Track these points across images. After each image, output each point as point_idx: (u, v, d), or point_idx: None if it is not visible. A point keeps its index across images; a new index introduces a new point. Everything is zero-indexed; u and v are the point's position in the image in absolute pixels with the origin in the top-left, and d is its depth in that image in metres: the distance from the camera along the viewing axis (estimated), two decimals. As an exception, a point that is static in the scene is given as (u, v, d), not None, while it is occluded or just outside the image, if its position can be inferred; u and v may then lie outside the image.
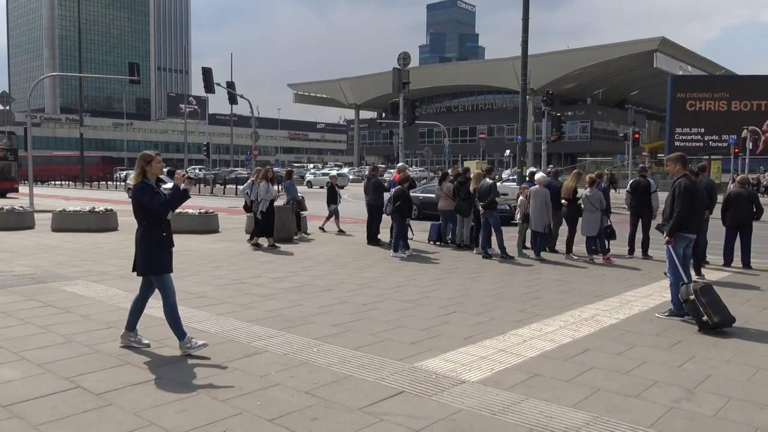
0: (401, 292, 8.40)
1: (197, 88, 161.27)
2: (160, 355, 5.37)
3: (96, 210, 16.09)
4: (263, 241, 12.90)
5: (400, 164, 13.78)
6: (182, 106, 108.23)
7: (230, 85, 36.55)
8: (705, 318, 6.36)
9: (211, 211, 16.58)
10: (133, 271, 5.45)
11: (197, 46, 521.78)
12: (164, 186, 5.76)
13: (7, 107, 25.22)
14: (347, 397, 4.46)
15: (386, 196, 12.03)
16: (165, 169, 16.12)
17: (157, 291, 5.45)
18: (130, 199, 5.47)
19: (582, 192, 11.67)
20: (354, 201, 32.91)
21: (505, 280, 9.43)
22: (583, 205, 11.48)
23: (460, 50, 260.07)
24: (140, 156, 5.36)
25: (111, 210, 16.31)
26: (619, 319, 7.01)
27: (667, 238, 7.11)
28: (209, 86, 32.41)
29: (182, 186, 5.32)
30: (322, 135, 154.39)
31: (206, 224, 15.65)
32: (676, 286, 6.97)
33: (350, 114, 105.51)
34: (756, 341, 6.15)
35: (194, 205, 22.06)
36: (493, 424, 4.03)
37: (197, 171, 57.86)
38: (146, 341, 5.59)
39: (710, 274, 9.90)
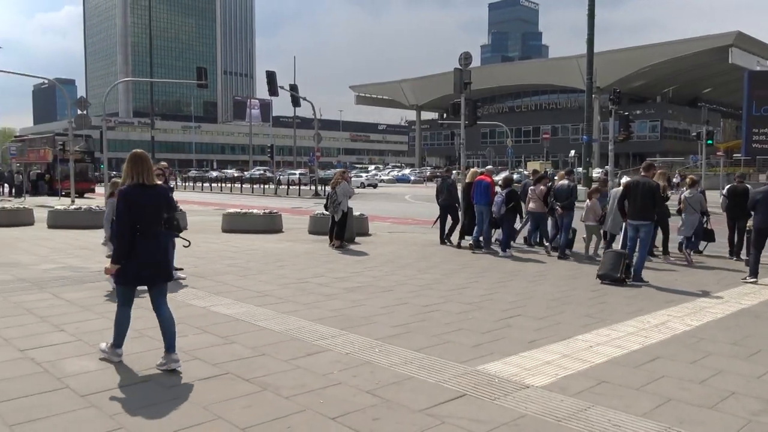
0: (463, 294, 8.32)
1: (262, 91, 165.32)
2: (229, 352, 5.51)
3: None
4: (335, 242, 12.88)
5: (489, 167, 14.05)
6: (247, 109, 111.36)
7: (293, 88, 37.24)
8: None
9: (275, 211, 16.96)
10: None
11: (259, 51, 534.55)
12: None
13: (84, 112, 26.48)
14: (409, 398, 4.45)
15: (498, 198, 12.15)
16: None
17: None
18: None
19: (682, 194, 11.96)
20: (415, 202, 32.92)
21: (570, 284, 9.21)
22: (683, 207, 11.65)
23: (523, 49, 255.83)
24: None
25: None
26: (692, 326, 6.72)
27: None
28: (273, 89, 33.17)
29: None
30: (383, 136, 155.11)
31: (270, 224, 16.01)
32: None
33: (411, 115, 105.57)
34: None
35: (259, 205, 22.65)
36: (558, 431, 3.93)
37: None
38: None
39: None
